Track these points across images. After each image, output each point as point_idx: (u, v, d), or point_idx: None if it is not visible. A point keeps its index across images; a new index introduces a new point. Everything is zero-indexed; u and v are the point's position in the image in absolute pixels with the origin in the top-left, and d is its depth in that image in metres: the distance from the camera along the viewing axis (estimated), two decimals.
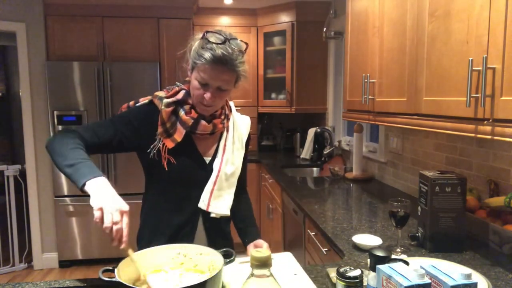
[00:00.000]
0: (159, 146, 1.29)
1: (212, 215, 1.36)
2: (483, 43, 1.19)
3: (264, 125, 4.53)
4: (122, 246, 1.01)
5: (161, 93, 1.34)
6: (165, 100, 1.30)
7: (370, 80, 2.04)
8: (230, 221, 1.50)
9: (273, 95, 4.28)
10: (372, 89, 2.04)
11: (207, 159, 1.37)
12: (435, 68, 1.47)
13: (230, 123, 1.43)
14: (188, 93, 1.32)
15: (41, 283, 1.21)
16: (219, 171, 1.35)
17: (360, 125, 2.93)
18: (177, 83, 1.38)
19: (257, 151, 4.46)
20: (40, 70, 3.60)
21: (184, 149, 1.33)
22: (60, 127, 3.58)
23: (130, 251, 1.03)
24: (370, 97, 2.05)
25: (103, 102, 3.61)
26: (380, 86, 1.97)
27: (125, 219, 1.01)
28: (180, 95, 1.31)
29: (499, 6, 1.12)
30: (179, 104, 1.31)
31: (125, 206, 1.03)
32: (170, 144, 1.29)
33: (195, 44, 1.26)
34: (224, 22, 4.14)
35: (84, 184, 1.05)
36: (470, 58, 1.21)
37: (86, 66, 3.56)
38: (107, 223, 0.98)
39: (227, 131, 1.41)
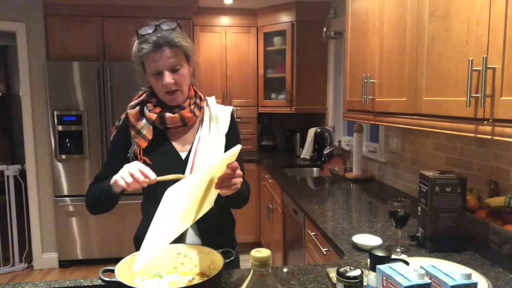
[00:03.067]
0: (135, 149, 1.32)
1: None
2: (483, 43, 1.19)
3: (264, 125, 4.53)
4: (147, 180, 1.10)
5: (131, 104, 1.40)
6: (129, 105, 1.37)
7: (370, 80, 2.04)
8: (230, 219, 1.48)
9: (273, 95, 4.28)
10: (372, 89, 2.04)
11: (183, 154, 1.36)
12: (435, 68, 1.47)
13: (206, 115, 1.42)
14: (150, 94, 1.37)
15: (41, 283, 1.21)
16: (193, 164, 1.33)
17: (360, 125, 2.94)
18: (142, 87, 1.42)
19: (257, 151, 4.46)
20: (40, 70, 3.60)
21: (159, 148, 1.35)
22: (60, 127, 3.58)
23: (158, 178, 1.12)
24: (370, 97, 2.05)
25: (103, 102, 3.61)
26: (380, 86, 1.97)
27: (137, 172, 1.10)
28: (142, 96, 1.37)
29: (499, 6, 1.12)
30: (143, 104, 1.36)
31: (133, 167, 1.11)
32: (143, 144, 1.32)
33: (134, 46, 1.31)
34: (224, 22, 4.14)
35: (111, 183, 1.16)
36: (470, 58, 1.21)
37: (86, 66, 3.56)
38: (125, 181, 1.10)
39: (202, 122, 1.41)
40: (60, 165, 3.64)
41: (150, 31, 1.27)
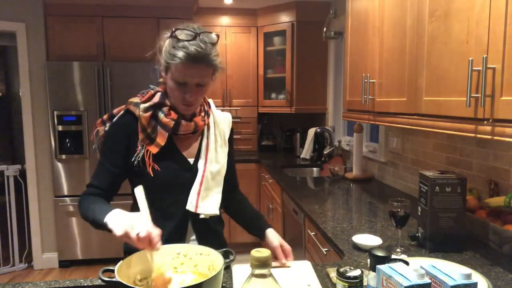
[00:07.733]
0: (143, 153, 1.25)
1: (202, 216, 1.31)
2: (483, 43, 1.19)
3: (264, 125, 4.53)
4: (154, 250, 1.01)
5: (135, 99, 1.31)
6: (142, 106, 1.27)
7: (370, 80, 2.04)
8: (222, 221, 1.47)
9: (273, 95, 4.28)
10: (372, 89, 2.04)
11: (191, 160, 1.33)
12: (435, 68, 1.47)
13: (211, 120, 1.38)
14: (164, 95, 1.29)
15: (41, 283, 1.21)
16: (204, 171, 1.30)
17: (360, 125, 2.94)
18: (151, 86, 1.34)
19: (257, 151, 4.46)
20: (40, 70, 3.60)
21: (167, 153, 1.28)
22: (60, 127, 3.58)
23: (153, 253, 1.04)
24: (370, 97, 2.05)
25: (103, 102, 3.61)
26: (380, 86, 1.97)
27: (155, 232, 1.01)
28: (156, 98, 1.28)
29: (499, 6, 1.12)
30: (157, 107, 1.27)
31: (143, 232, 1.00)
32: (154, 150, 1.25)
33: (166, 43, 1.22)
34: (224, 22, 4.14)
35: (106, 224, 1.09)
36: (470, 58, 1.21)
37: (86, 66, 3.56)
38: (132, 236, 0.98)
39: (208, 129, 1.37)
40: (60, 165, 3.64)
41: (190, 39, 1.17)
